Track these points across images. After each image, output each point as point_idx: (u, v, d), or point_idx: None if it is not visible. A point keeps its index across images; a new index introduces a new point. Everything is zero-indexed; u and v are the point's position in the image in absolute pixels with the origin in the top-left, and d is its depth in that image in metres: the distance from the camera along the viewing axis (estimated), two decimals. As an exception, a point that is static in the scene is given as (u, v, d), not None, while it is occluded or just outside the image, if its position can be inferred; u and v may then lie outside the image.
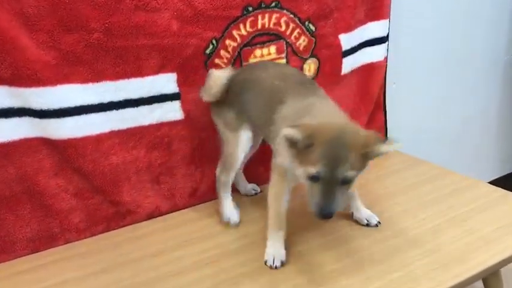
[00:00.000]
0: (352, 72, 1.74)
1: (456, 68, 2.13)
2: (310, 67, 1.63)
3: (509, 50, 2.29)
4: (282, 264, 1.21)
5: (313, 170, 1.03)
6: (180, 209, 1.51)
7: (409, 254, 1.23)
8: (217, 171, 1.43)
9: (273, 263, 1.21)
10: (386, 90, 1.88)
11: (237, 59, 1.49)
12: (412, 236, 1.31)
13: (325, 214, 1.04)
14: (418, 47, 1.97)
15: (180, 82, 1.41)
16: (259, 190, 1.59)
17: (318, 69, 1.65)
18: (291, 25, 1.55)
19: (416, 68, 2.00)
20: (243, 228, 1.39)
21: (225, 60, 1.47)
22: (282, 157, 1.17)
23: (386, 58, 1.81)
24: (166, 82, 1.39)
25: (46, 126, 1.25)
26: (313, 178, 1.05)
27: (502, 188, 1.56)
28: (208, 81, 1.37)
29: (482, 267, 1.18)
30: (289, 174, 1.20)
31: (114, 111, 1.34)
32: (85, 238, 1.39)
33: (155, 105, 1.39)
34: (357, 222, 1.39)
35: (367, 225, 1.37)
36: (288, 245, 1.26)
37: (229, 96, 1.36)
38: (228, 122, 1.38)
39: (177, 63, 1.38)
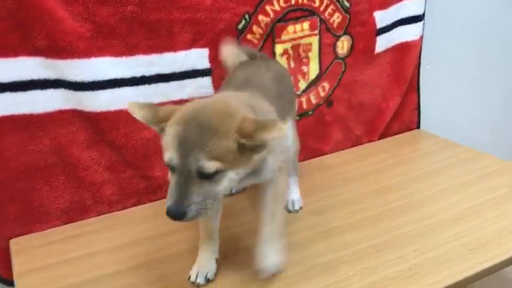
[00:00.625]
0: (386, 51, 1.70)
1: (496, 48, 2.06)
2: (343, 44, 1.60)
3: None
4: (208, 280, 1.06)
5: (164, 157, 0.84)
6: (210, 185, 1.52)
7: (443, 235, 1.21)
8: None
9: (196, 279, 1.06)
10: (420, 71, 1.83)
11: (270, 35, 1.47)
12: (445, 218, 1.29)
13: (172, 212, 0.83)
14: (455, 26, 1.90)
15: (211, 58, 1.40)
16: None
17: (352, 47, 1.62)
18: (325, 1, 1.52)
19: (452, 48, 1.93)
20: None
21: (258, 36, 1.45)
22: None
23: (421, 37, 1.76)
24: (198, 57, 1.38)
25: (80, 99, 1.26)
26: (169, 167, 0.85)
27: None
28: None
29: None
30: None
31: (146, 86, 1.34)
32: (116, 211, 1.41)
33: (187, 81, 1.39)
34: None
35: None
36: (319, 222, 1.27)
37: None
38: None
39: (210, 38, 1.38)
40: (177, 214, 0.83)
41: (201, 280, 1.06)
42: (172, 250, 1.21)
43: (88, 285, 1.10)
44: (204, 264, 1.09)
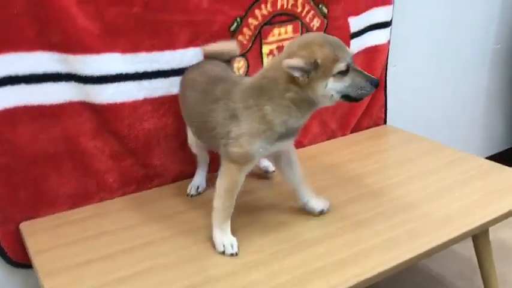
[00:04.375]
0: (359, 53, 1.88)
1: (450, 55, 2.30)
2: (321, 47, 1.77)
3: (497, 39, 2.46)
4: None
5: (342, 65, 1.14)
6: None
7: (415, 213, 1.39)
8: None
9: (232, 250, 1.22)
10: (387, 72, 2.03)
11: (258, 37, 1.62)
12: (414, 199, 1.46)
13: (377, 81, 1.18)
14: (416, 33, 2.12)
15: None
16: (270, 170, 1.62)
17: (329, 49, 1.79)
18: (307, 7, 1.68)
19: (414, 53, 2.15)
20: (275, 187, 1.54)
21: (247, 37, 1.59)
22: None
23: (389, 41, 1.96)
24: (195, 55, 1.50)
25: (89, 92, 1.36)
26: (343, 72, 1.15)
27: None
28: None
29: (474, 225, 1.34)
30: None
31: (148, 81, 1.45)
32: (117, 197, 1.51)
33: (184, 77, 1.51)
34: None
35: (321, 213, 1.38)
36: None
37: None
38: None
39: (205, 38, 1.50)
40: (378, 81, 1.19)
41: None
42: (174, 230, 1.33)
43: (102, 261, 1.21)
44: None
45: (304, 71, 1.13)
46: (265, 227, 1.34)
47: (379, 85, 1.19)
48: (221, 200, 1.24)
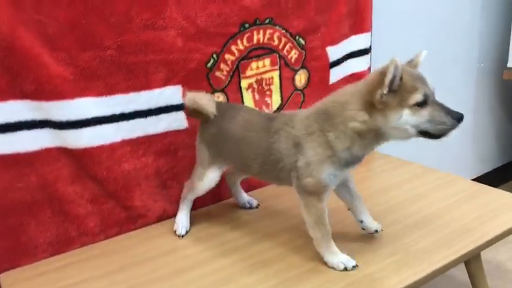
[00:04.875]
0: (339, 81, 1.88)
1: (433, 76, 2.29)
2: (301, 77, 1.77)
3: (480, 59, 2.47)
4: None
5: (419, 96, 1.10)
6: (186, 212, 1.62)
7: (403, 241, 1.36)
8: (185, 186, 1.52)
9: (351, 263, 1.25)
10: (370, 98, 2.02)
11: (236, 72, 1.62)
12: (402, 227, 1.44)
13: (461, 115, 1.11)
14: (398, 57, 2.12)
15: (184, 94, 1.52)
16: (254, 205, 1.63)
17: (308, 80, 1.79)
18: (283, 39, 1.69)
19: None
20: (248, 227, 1.51)
21: (225, 73, 1.59)
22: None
23: (369, 68, 1.96)
24: (172, 94, 1.50)
25: (65, 137, 1.35)
26: (420, 103, 1.10)
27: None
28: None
29: (465, 250, 1.33)
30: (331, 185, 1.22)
31: (125, 122, 1.44)
32: (99, 241, 1.48)
33: (162, 116, 1.50)
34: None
35: (376, 231, 1.40)
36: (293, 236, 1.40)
37: (207, 136, 1.43)
38: (201, 158, 1.45)
39: (182, 76, 1.50)
40: (462, 115, 1.11)
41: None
42: (161, 272, 1.30)
43: (82, 310, 1.18)
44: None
45: (393, 81, 1.09)
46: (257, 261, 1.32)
47: (463, 119, 1.10)
48: (316, 230, 1.26)
